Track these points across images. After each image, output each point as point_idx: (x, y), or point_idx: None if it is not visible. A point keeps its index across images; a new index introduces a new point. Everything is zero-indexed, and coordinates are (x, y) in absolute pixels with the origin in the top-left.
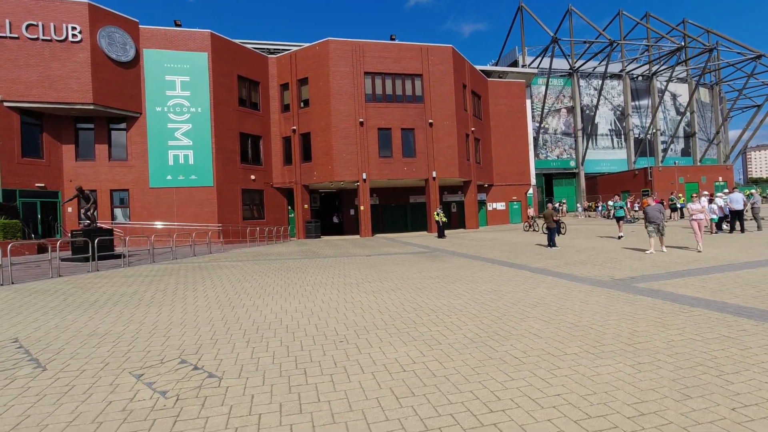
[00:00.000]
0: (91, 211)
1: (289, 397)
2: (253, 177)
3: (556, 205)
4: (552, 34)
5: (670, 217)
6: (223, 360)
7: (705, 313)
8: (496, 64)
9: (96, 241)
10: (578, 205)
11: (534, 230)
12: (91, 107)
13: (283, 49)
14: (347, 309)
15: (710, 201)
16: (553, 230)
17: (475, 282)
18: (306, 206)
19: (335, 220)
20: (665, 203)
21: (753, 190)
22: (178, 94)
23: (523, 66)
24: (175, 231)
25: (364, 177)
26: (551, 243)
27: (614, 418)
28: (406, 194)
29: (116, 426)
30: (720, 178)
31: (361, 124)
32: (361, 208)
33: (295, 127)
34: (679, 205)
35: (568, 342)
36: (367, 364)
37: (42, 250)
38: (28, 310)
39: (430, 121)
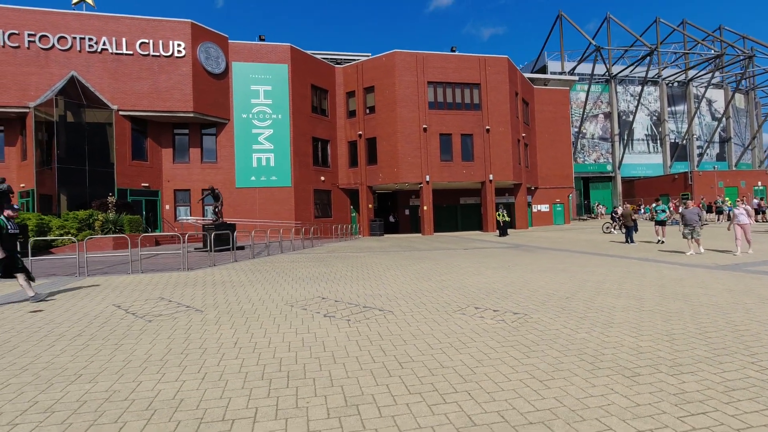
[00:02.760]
0: (219, 208)
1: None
2: (322, 178)
3: (627, 207)
4: (594, 43)
5: (718, 220)
6: (528, 305)
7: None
8: (532, 71)
9: (234, 234)
10: (618, 209)
11: (612, 231)
12: (191, 115)
13: (340, 59)
14: (536, 282)
15: (758, 207)
16: (631, 228)
17: (602, 266)
18: (370, 206)
19: (391, 219)
20: (713, 207)
21: None
22: (262, 102)
23: (561, 73)
24: (268, 227)
25: (428, 179)
26: (629, 239)
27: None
28: (457, 196)
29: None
30: (759, 183)
31: (425, 130)
32: (424, 208)
33: (360, 132)
34: (726, 209)
35: (736, 295)
36: (608, 306)
37: (157, 243)
38: (267, 282)
39: (487, 127)
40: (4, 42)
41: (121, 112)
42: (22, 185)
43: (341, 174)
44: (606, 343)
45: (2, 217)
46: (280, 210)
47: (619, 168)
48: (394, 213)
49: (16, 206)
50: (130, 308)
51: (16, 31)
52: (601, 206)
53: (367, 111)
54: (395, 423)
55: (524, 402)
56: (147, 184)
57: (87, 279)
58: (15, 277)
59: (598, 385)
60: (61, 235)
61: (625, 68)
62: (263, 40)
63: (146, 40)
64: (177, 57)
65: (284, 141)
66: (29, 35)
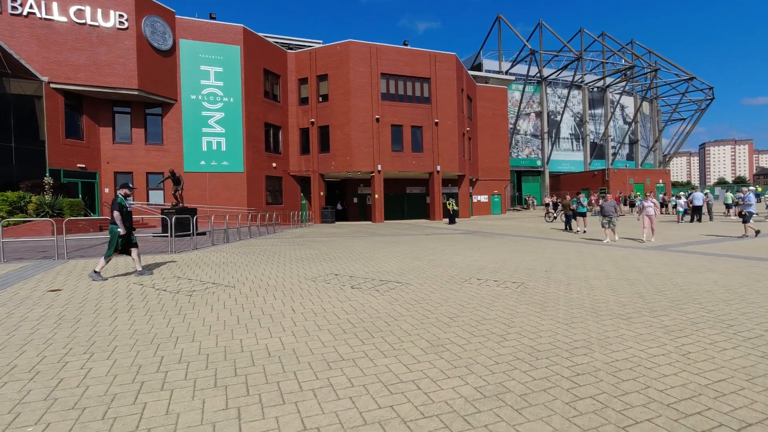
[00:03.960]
0: (180, 192)
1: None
2: (274, 165)
3: (573, 197)
4: (530, 47)
5: (631, 212)
6: (528, 280)
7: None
8: (470, 68)
9: (195, 219)
10: (546, 200)
11: (552, 219)
12: (136, 93)
13: (291, 44)
14: (513, 261)
15: (662, 201)
16: (570, 217)
17: (559, 248)
18: (322, 193)
19: (339, 207)
20: (627, 200)
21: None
22: (212, 83)
23: (499, 72)
24: (221, 213)
25: (379, 168)
26: (568, 227)
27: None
28: (404, 185)
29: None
30: (660, 180)
31: (377, 120)
32: (376, 196)
33: (313, 120)
34: (637, 202)
35: (672, 267)
36: (582, 276)
37: (101, 228)
38: (282, 260)
39: (436, 120)
40: None
41: (52, 85)
42: None
43: (292, 161)
44: (596, 300)
45: (120, 195)
46: (233, 196)
47: (547, 163)
48: (342, 201)
49: (131, 185)
50: (155, 285)
51: None
52: (532, 198)
53: (320, 99)
54: (480, 353)
55: (564, 337)
56: (83, 165)
57: (72, 261)
58: (130, 253)
59: (607, 325)
60: None
61: (555, 72)
62: (214, 18)
63: (82, 7)
64: (119, 29)
65: (236, 125)
66: None
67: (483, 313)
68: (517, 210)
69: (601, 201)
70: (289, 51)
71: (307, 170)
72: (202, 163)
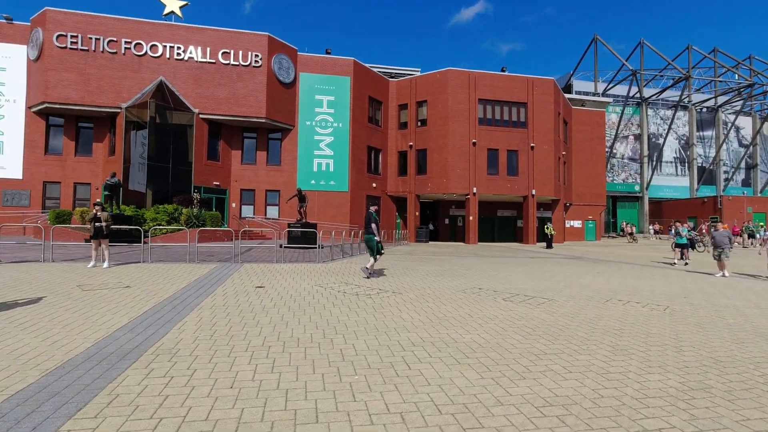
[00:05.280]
0: (304, 208)
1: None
2: (374, 185)
3: (684, 225)
4: (630, 67)
5: (751, 244)
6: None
7: None
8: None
9: (321, 233)
10: (650, 227)
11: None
12: (263, 120)
13: (392, 73)
14: (644, 286)
15: None
16: (687, 246)
17: (683, 278)
18: (417, 213)
19: (430, 227)
20: (742, 231)
21: None
22: (324, 110)
23: (596, 94)
24: (325, 228)
25: (474, 191)
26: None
27: None
28: (495, 208)
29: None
30: None
31: (474, 144)
32: (470, 218)
33: (411, 143)
34: (760, 234)
35: None
36: (728, 304)
37: (234, 238)
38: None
39: (532, 144)
40: (103, 48)
41: (201, 116)
42: (106, 178)
43: (390, 182)
44: (758, 326)
45: (372, 211)
46: (337, 213)
47: (647, 189)
48: (433, 221)
49: (374, 207)
50: (334, 288)
51: (115, 38)
52: (629, 225)
53: (419, 123)
54: (665, 359)
55: (740, 353)
56: (218, 183)
57: (246, 265)
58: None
59: None
60: (152, 226)
61: (657, 92)
62: (329, 53)
63: (228, 50)
64: (254, 67)
65: (343, 148)
66: (126, 42)
67: (644, 329)
68: (612, 237)
69: (712, 230)
70: (390, 79)
71: (404, 191)
72: (313, 182)
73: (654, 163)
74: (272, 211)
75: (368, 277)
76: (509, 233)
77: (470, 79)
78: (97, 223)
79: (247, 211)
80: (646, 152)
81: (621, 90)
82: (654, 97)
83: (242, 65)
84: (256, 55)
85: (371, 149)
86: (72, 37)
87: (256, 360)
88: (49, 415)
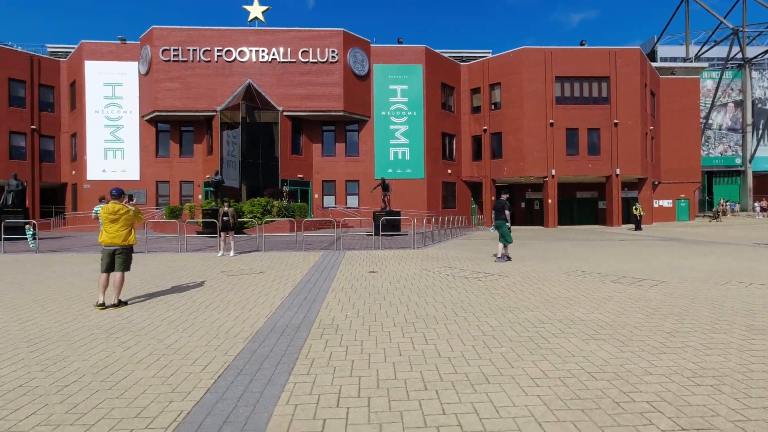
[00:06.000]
0: (388, 197)
1: None
2: (449, 171)
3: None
4: (730, 25)
5: None
6: None
7: None
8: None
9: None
10: (756, 204)
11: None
12: (341, 113)
13: (464, 56)
14: (760, 268)
15: None
16: None
17: None
18: (493, 198)
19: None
20: None
21: None
22: (399, 100)
23: (687, 59)
24: (403, 216)
25: (553, 173)
26: None
27: None
28: (574, 189)
29: None
30: None
31: (551, 124)
32: (549, 201)
33: (485, 127)
34: None
35: None
36: None
37: (318, 227)
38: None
39: (615, 120)
40: (200, 58)
41: (284, 113)
42: (207, 176)
43: (464, 167)
44: None
45: (504, 199)
46: (414, 201)
47: (750, 162)
48: (510, 206)
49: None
50: (441, 272)
51: (209, 48)
52: (727, 203)
53: (492, 107)
54: None
55: None
56: (302, 176)
57: (349, 252)
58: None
59: None
60: (250, 218)
61: (764, 51)
62: (401, 42)
63: (306, 49)
64: (331, 62)
65: (418, 136)
66: (218, 50)
67: None
68: (708, 217)
69: None
70: (461, 63)
71: (479, 176)
72: (389, 171)
73: (760, 131)
74: (352, 200)
75: (497, 262)
76: (589, 215)
77: (546, 56)
78: (224, 218)
79: (329, 201)
80: (750, 120)
81: (717, 52)
82: (760, 57)
83: (320, 62)
84: (333, 51)
85: (445, 135)
86: (174, 50)
87: (408, 334)
88: (273, 371)
